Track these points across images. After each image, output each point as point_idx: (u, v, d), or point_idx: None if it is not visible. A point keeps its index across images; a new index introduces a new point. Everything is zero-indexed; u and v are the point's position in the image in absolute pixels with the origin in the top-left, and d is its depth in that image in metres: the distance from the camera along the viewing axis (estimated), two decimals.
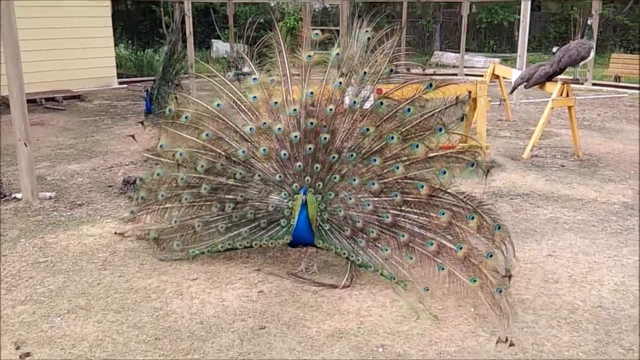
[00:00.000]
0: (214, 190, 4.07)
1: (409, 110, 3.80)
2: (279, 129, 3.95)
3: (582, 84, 11.59)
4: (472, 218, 3.53)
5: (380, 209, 3.79)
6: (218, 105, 4.12)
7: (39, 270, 4.09)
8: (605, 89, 13.48)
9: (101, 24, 12.96)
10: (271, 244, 3.95)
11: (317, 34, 4.09)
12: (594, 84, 13.68)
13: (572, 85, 7.29)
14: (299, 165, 3.92)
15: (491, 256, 3.43)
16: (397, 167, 3.75)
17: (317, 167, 3.92)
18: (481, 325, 3.33)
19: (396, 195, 3.74)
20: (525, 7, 10.60)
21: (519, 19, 11.63)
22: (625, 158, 7.21)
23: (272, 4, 24.42)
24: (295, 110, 3.96)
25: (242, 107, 4.11)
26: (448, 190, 3.64)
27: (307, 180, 3.92)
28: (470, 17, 17.46)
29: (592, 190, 5.88)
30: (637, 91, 12.73)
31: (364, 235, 3.81)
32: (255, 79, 4.14)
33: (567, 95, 7.17)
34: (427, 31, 22.42)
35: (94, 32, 12.77)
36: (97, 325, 3.36)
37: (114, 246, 4.47)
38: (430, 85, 3.84)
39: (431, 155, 3.71)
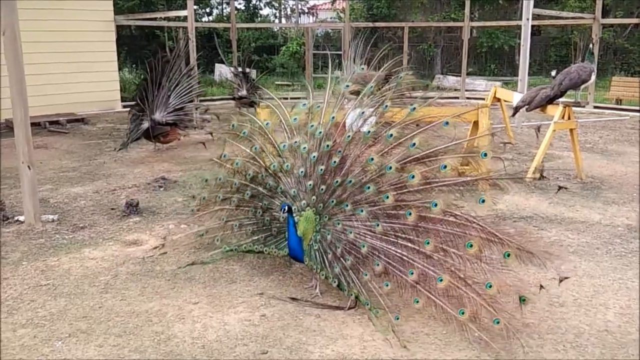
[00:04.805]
0: (252, 197, 4.40)
1: (413, 144, 3.81)
2: (304, 147, 4.13)
3: (584, 106, 11.61)
4: (471, 246, 3.44)
5: (360, 237, 3.79)
6: (267, 123, 4.48)
7: (41, 293, 4.07)
8: (607, 111, 13.53)
9: (106, 48, 13.13)
10: (275, 253, 4.24)
11: (347, 85, 4.41)
12: (595, 107, 13.75)
13: (573, 108, 7.31)
14: (310, 184, 4.05)
15: (490, 287, 3.35)
16: (387, 197, 3.75)
17: (322, 189, 3.99)
18: (485, 349, 3.28)
19: (377, 225, 3.74)
20: (526, 32, 10.69)
21: (519, 43, 11.71)
22: (628, 180, 7.20)
23: (275, 29, 24.70)
24: (320, 132, 4.12)
25: (285, 126, 4.42)
26: (446, 218, 3.59)
27: (313, 199, 4.02)
28: (471, 41, 17.63)
29: (595, 213, 5.86)
30: (638, 114, 12.77)
31: (341, 262, 3.83)
32: (304, 104, 4.44)
33: (569, 118, 7.19)
34: (429, 55, 22.60)
35: (98, 56, 12.93)
36: (98, 350, 3.33)
37: (115, 269, 4.46)
38: (447, 123, 3.85)
39: (432, 184, 3.71)
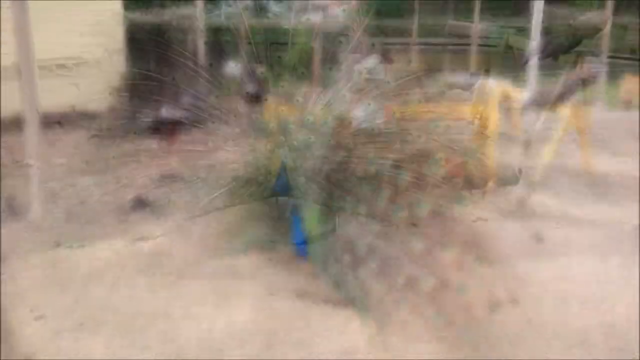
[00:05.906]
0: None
1: (407, 140, 3.89)
2: (314, 142, 4.16)
3: (594, 105, 11.50)
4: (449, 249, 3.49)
5: (358, 234, 3.81)
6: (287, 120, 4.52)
7: (47, 289, 4.08)
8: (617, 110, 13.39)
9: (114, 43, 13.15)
10: (283, 247, 4.36)
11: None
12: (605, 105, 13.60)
13: (583, 107, 7.25)
14: (317, 179, 4.07)
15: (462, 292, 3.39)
16: (382, 192, 3.78)
17: (327, 184, 4.02)
18: (492, 348, 3.27)
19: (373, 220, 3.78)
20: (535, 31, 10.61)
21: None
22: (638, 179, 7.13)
23: (284, 25, 24.71)
24: (329, 127, 4.16)
25: (301, 122, 4.44)
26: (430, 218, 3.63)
27: (319, 194, 4.03)
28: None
29: (603, 211, 5.81)
30: None
31: (339, 259, 3.83)
32: (322, 100, 4.47)
33: (579, 117, 7.13)
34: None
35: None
36: (104, 348, 3.34)
37: (122, 265, 4.46)
38: (437, 125, 3.94)
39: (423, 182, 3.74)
